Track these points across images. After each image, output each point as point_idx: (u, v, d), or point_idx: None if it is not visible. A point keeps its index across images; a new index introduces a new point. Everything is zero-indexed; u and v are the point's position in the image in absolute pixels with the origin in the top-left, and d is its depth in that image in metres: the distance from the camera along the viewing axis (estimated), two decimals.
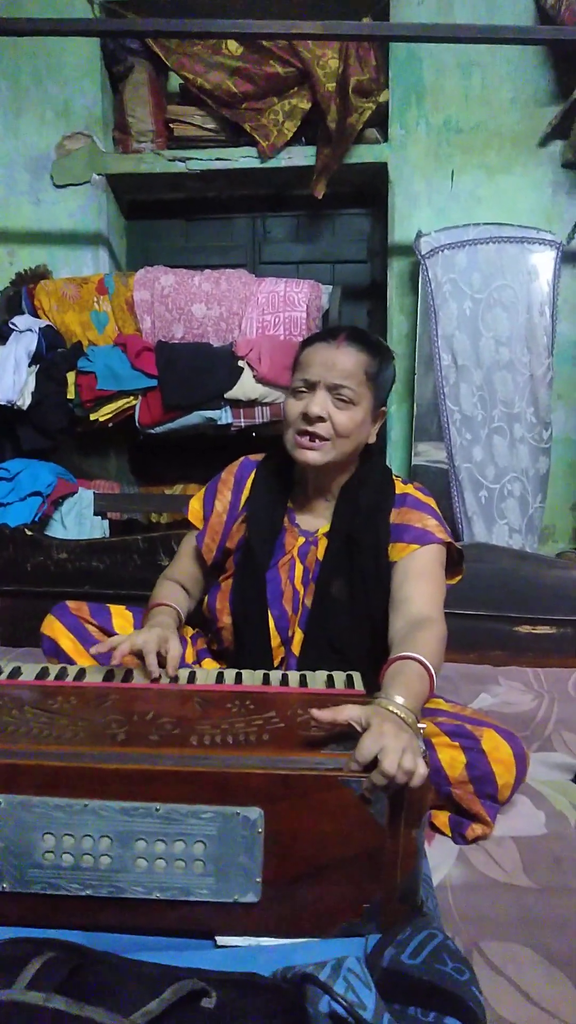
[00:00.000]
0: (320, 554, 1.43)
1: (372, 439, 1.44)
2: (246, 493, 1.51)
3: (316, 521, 1.47)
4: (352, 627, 1.40)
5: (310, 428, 1.36)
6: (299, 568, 1.44)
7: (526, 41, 2.57)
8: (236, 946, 0.95)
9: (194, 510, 1.55)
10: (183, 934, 0.96)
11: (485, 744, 1.26)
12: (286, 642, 1.43)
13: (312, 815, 0.93)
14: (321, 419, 1.35)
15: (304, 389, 1.38)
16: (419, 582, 1.34)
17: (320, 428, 1.35)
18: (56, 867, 0.93)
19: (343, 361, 1.35)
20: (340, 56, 2.83)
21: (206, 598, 1.53)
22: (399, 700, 1.04)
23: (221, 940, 0.96)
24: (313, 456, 1.37)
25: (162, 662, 1.25)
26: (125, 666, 1.30)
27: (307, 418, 1.35)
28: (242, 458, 1.57)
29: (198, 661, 1.53)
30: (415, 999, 0.83)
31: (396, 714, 1.01)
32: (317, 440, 1.36)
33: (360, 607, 1.40)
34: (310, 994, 0.75)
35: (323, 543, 1.44)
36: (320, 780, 0.93)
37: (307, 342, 1.42)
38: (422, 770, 0.92)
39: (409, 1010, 0.83)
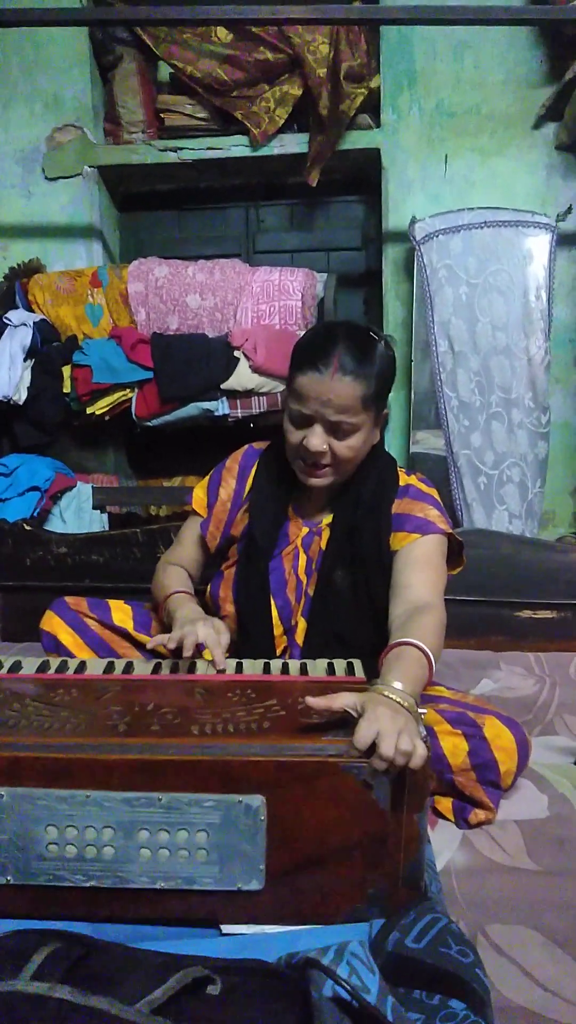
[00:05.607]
0: (323, 544, 1.43)
1: (375, 440, 1.42)
2: (250, 482, 1.51)
3: (320, 512, 1.47)
4: (355, 616, 1.41)
5: (311, 460, 1.35)
6: (303, 558, 1.44)
7: (518, 22, 2.55)
8: (241, 934, 0.95)
9: (198, 498, 1.55)
10: (188, 923, 0.96)
11: (487, 731, 1.26)
12: (289, 631, 1.43)
13: (314, 802, 0.93)
14: (321, 452, 1.34)
15: (300, 419, 1.34)
16: (419, 569, 1.34)
17: (321, 459, 1.35)
18: (60, 859, 0.93)
19: (338, 396, 1.29)
20: (330, 41, 2.80)
21: (209, 586, 1.53)
22: (397, 686, 1.05)
23: (227, 929, 0.96)
24: (317, 482, 1.38)
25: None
26: (125, 658, 1.30)
27: (307, 450, 1.34)
28: (246, 446, 1.57)
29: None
30: (420, 983, 0.83)
31: (393, 699, 1.01)
32: (319, 467, 1.36)
33: (363, 597, 1.40)
34: (314, 979, 0.75)
35: (326, 533, 1.44)
36: (321, 766, 0.93)
37: (299, 364, 1.33)
38: (421, 750, 0.92)
39: (414, 993, 0.83)
